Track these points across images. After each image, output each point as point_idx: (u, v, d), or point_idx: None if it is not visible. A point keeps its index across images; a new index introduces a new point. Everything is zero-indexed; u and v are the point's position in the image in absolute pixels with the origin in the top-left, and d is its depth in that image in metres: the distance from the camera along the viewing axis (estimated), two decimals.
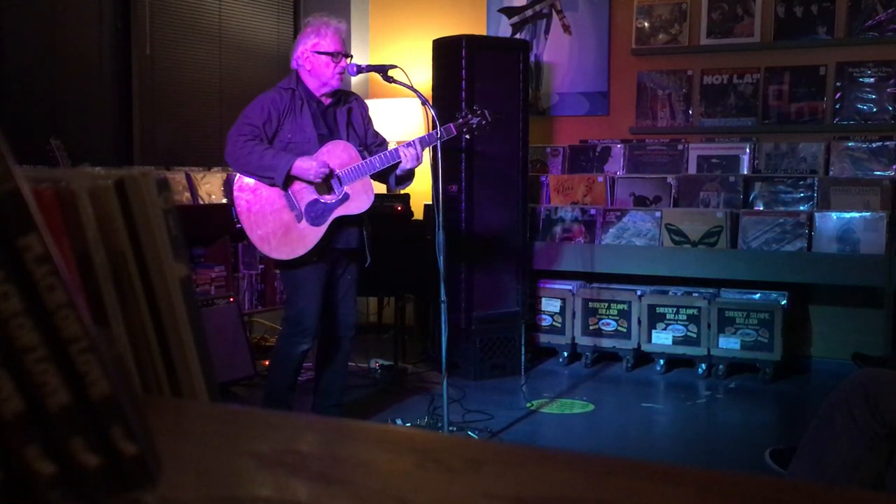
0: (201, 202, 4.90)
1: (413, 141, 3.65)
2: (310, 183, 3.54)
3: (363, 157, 3.61)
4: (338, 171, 3.57)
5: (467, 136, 4.31)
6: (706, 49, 5.55)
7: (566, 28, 5.95)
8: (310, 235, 3.56)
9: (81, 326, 0.47)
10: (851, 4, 5.20)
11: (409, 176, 3.72)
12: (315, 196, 3.57)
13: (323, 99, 3.65)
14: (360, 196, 3.60)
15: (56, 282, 0.46)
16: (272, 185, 3.52)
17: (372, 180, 3.69)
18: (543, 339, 5.38)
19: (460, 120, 3.83)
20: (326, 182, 3.56)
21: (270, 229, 3.55)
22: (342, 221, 3.60)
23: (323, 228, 3.56)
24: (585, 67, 5.90)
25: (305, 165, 3.48)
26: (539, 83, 5.99)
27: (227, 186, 5.02)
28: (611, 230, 5.29)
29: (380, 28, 6.51)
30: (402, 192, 4.45)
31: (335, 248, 3.64)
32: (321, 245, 3.57)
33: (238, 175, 3.60)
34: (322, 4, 5.71)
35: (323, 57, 3.57)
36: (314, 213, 3.56)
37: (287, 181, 3.51)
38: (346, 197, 3.58)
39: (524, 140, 5.14)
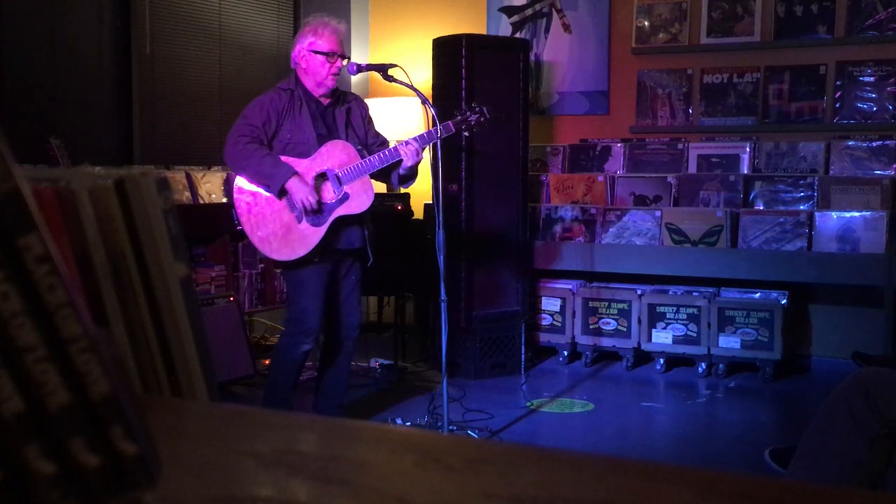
0: (201, 201, 4.90)
1: (411, 139, 3.64)
2: (307, 184, 3.53)
3: (362, 157, 3.61)
4: (337, 170, 3.56)
5: (466, 134, 4.31)
6: (706, 48, 5.55)
7: (566, 27, 5.95)
8: (311, 236, 3.56)
9: (81, 326, 0.47)
10: (851, 3, 5.20)
11: (411, 175, 3.71)
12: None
13: (321, 99, 3.65)
14: (360, 195, 3.60)
15: (56, 282, 0.46)
16: (268, 191, 3.52)
17: (372, 180, 3.69)
18: (543, 338, 5.38)
19: (459, 117, 3.83)
20: (324, 183, 3.57)
21: (271, 231, 3.55)
22: (343, 221, 3.60)
23: (323, 229, 3.56)
24: (585, 66, 5.90)
25: (298, 188, 3.48)
26: (539, 82, 5.99)
27: (227, 185, 5.01)
28: (611, 229, 5.29)
29: (380, 27, 6.51)
30: (403, 191, 4.44)
31: (337, 249, 3.64)
32: (322, 245, 3.57)
33: (237, 176, 3.60)
34: (322, 4, 5.71)
35: (318, 56, 3.57)
36: (314, 214, 3.56)
37: (282, 192, 3.51)
38: (345, 197, 3.58)
39: (524, 139, 5.14)
